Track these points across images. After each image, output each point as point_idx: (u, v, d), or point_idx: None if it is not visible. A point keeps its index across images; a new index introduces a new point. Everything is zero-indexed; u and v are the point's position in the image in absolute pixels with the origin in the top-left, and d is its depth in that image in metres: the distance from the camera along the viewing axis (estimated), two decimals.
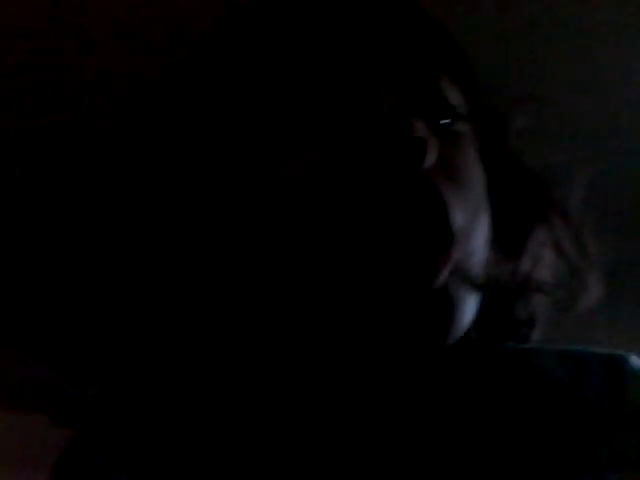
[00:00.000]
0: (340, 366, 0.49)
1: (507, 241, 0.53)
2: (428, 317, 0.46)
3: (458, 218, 0.48)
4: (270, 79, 0.51)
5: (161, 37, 0.62)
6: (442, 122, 0.52)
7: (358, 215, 0.47)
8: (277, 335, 0.50)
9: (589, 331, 0.59)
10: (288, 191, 0.48)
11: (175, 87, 0.55)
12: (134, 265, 0.51)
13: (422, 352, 0.48)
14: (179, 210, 0.51)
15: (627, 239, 1.07)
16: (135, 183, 0.52)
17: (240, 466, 0.48)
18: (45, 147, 0.60)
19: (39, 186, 0.61)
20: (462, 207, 0.49)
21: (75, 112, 0.61)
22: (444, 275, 0.46)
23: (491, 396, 0.51)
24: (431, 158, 0.48)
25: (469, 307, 0.48)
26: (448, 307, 0.47)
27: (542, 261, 0.55)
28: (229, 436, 0.49)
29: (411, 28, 0.53)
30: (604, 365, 0.53)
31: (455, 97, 0.53)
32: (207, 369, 0.51)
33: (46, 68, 0.61)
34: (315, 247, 0.47)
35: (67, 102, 0.61)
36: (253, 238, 0.49)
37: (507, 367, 0.53)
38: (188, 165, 0.52)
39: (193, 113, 0.53)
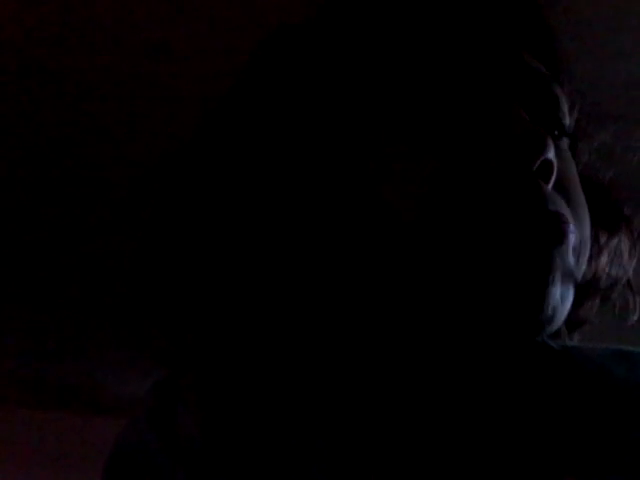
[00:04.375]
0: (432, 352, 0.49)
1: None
2: (526, 317, 0.46)
3: (575, 241, 0.48)
4: (393, 80, 0.50)
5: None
6: (557, 138, 0.51)
7: (470, 227, 0.46)
8: (370, 322, 0.49)
9: None
10: (400, 195, 0.48)
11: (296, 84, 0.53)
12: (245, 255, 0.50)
13: (514, 346, 0.49)
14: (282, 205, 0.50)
15: None
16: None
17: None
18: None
19: None
20: (578, 228, 0.49)
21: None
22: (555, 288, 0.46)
23: (554, 392, 0.51)
24: (552, 181, 0.48)
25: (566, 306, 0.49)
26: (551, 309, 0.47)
27: (605, 267, 0.56)
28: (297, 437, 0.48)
29: (538, 33, 0.53)
30: None
31: (566, 109, 0.53)
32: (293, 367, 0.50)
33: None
34: (423, 252, 0.47)
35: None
36: (363, 239, 0.49)
37: (569, 364, 0.53)
38: (298, 164, 0.51)
39: (311, 110, 0.52)
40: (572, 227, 0.48)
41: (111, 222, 2.05)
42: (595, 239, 0.56)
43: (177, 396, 0.50)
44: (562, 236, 0.47)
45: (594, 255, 0.56)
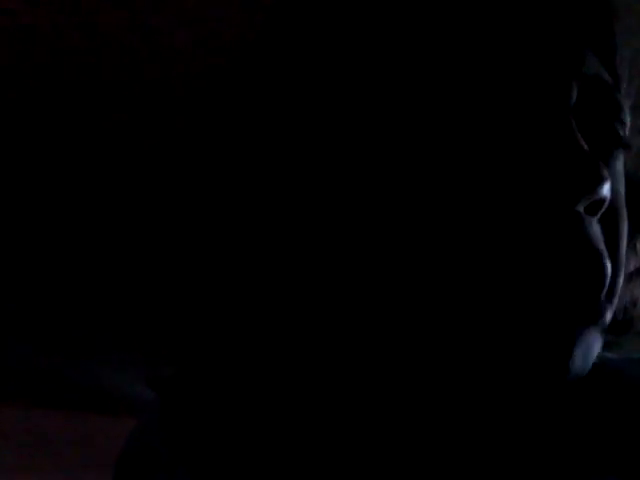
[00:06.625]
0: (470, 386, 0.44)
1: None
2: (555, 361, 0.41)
3: (609, 272, 0.42)
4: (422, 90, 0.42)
5: None
6: (611, 157, 0.46)
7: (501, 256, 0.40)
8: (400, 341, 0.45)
9: None
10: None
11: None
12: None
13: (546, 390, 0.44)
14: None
15: None
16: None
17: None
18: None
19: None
20: (614, 261, 0.44)
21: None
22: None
23: (578, 402, 0.48)
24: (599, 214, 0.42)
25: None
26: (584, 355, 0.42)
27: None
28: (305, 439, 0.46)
29: (601, 29, 0.46)
30: None
31: (627, 119, 0.47)
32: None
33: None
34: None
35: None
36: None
37: (594, 374, 0.49)
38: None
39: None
40: (608, 269, 0.42)
41: (118, 223, 2.05)
42: (632, 254, 0.51)
43: (186, 398, 0.49)
44: (601, 284, 0.41)
45: (630, 279, 0.51)
